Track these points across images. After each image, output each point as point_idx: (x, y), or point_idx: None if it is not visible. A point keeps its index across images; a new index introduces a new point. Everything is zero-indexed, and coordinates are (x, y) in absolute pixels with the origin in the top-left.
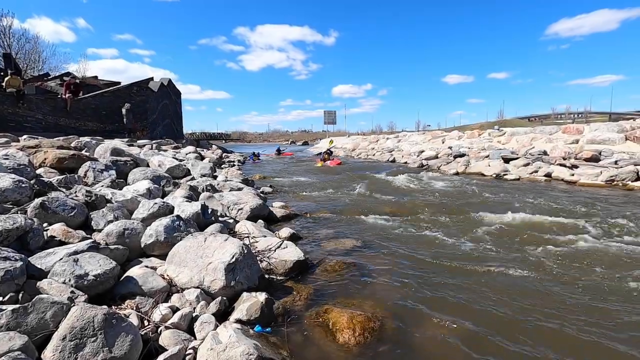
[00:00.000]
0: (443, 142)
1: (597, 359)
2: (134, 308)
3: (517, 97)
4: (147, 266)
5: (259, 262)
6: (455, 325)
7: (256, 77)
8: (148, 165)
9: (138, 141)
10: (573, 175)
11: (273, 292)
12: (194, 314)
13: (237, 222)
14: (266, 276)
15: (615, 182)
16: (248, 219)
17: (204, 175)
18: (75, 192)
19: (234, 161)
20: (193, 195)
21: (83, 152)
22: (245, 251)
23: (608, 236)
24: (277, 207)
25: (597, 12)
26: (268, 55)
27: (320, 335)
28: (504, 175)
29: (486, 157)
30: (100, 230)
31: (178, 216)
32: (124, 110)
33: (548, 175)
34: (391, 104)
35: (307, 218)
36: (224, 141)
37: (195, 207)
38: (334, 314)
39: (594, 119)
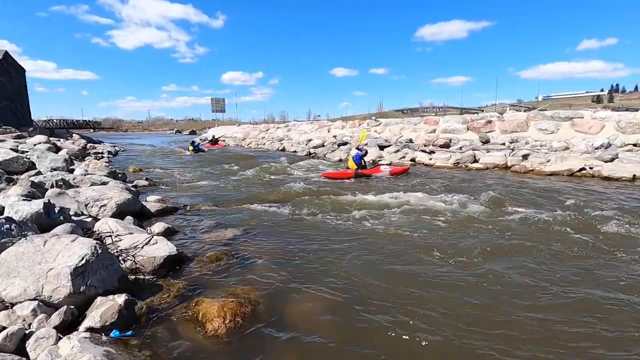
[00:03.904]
0: (329, 131)
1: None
2: None
3: (394, 91)
4: None
5: (120, 262)
6: (325, 298)
7: (131, 57)
8: None
9: None
10: (431, 159)
11: (138, 292)
12: (27, 331)
13: (97, 220)
14: (131, 276)
15: (460, 164)
16: (114, 215)
17: (55, 169)
18: None
19: (102, 152)
20: (36, 192)
21: None
22: (100, 251)
23: (440, 201)
24: (151, 202)
25: (452, 22)
26: (145, 32)
27: (188, 329)
28: (379, 160)
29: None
30: None
31: (8, 218)
32: None
33: (413, 160)
34: (283, 94)
35: (187, 211)
36: (92, 130)
37: (36, 206)
38: (204, 305)
39: (450, 113)
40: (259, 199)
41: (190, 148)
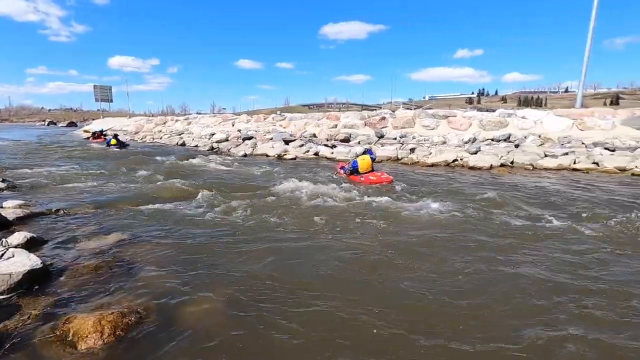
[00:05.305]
0: (233, 125)
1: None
2: None
3: (301, 86)
4: None
5: None
6: (225, 301)
7: None
8: None
9: None
10: (332, 153)
11: None
12: None
13: None
14: None
15: None
16: None
17: None
18: None
19: None
20: None
21: None
22: None
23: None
24: (9, 207)
25: (352, 23)
26: None
27: (54, 352)
28: (284, 155)
29: (270, 139)
30: None
31: None
32: None
33: (317, 154)
34: (184, 84)
35: (59, 216)
36: None
37: None
38: (76, 321)
39: (352, 109)
40: (151, 198)
41: (113, 142)
